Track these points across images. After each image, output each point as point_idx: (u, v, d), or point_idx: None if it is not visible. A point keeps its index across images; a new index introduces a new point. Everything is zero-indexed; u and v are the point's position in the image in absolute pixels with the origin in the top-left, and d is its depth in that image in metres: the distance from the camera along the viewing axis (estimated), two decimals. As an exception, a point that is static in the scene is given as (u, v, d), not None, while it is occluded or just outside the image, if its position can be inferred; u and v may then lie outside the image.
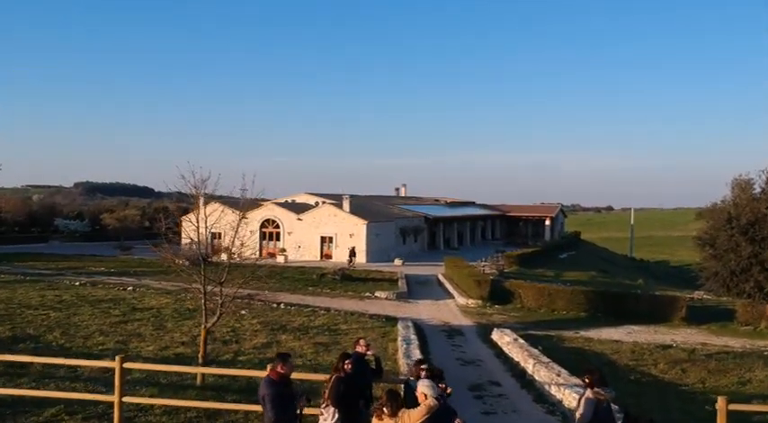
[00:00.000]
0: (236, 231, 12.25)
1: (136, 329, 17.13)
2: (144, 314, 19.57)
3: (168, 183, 13.14)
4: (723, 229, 24.61)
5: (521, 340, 16.60)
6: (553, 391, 11.75)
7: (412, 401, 6.08)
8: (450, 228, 59.61)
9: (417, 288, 31.22)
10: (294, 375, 7.67)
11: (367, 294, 27.71)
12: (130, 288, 25.52)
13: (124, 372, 8.96)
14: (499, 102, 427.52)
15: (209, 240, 12.92)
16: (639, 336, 20.95)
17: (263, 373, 7.12)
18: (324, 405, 7.38)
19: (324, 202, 48.14)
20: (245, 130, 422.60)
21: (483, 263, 38.12)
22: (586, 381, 6.87)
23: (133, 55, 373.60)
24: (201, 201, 12.67)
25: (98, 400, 9.67)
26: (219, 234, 14.08)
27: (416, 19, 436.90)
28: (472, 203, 72.40)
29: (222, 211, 13.14)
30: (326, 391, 7.43)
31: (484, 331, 20.16)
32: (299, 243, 44.25)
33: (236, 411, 9.65)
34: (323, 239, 44.16)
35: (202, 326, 12.25)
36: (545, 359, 13.75)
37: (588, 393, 6.71)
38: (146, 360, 13.21)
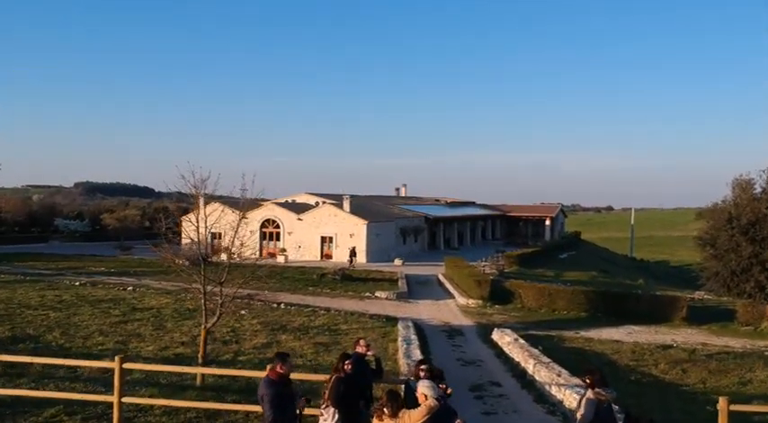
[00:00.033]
0: (236, 231, 12.23)
1: (136, 329, 17.12)
2: (144, 314, 19.55)
3: (168, 183, 13.12)
4: (724, 229, 24.59)
5: (521, 340, 16.58)
6: (554, 391, 11.72)
7: (412, 402, 6.07)
8: (451, 228, 59.59)
9: (417, 288, 31.20)
10: (294, 376, 7.65)
11: (367, 294, 27.69)
12: (130, 288, 25.51)
13: (124, 372, 8.94)
14: (499, 102, 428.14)
15: (209, 240, 12.89)
16: (640, 336, 20.93)
17: (262, 374, 7.09)
18: (324, 405, 7.37)
19: (324, 202, 48.13)
20: (245, 130, 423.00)
21: (483, 263, 38.10)
22: (587, 381, 6.85)
23: (133, 55, 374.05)
24: (201, 201, 12.65)
25: (97, 401, 9.66)
26: (219, 234, 14.05)
27: (416, 19, 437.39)
28: (472, 203, 72.39)
29: (222, 211, 13.12)
30: (326, 392, 7.41)
31: (484, 331, 20.14)
32: (300, 243, 44.23)
33: (236, 412, 9.64)
34: (323, 239, 44.14)
35: (202, 326, 12.23)
36: (545, 359, 13.72)
37: (589, 394, 6.69)
38: (145, 360, 13.19)
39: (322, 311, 21.79)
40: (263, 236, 45.11)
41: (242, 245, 12.42)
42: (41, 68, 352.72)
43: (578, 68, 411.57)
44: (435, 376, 7.30)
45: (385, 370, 10.32)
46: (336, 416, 7.22)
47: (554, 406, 11.32)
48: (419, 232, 51.94)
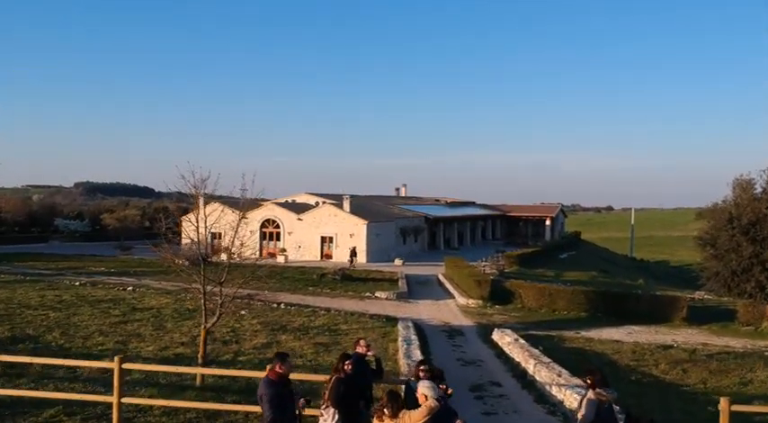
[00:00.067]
0: (236, 231, 12.21)
1: (135, 330, 17.10)
2: (144, 314, 19.53)
3: (168, 183, 13.10)
4: (724, 229, 24.56)
5: (521, 340, 16.55)
6: (554, 391, 11.70)
7: (412, 402, 6.05)
8: (451, 228, 59.57)
9: (418, 288, 31.18)
10: (294, 376, 7.64)
11: (367, 294, 27.67)
12: (130, 288, 25.49)
13: (123, 372, 8.93)
14: (499, 102, 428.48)
15: (209, 240, 12.87)
16: (640, 336, 20.90)
17: (262, 374, 7.08)
18: (324, 406, 7.34)
19: (324, 202, 48.11)
20: (245, 130, 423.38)
21: (483, 263, 38.07)
22: (588, 382, 6.83)
23: (133, 55, 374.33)
24: (201, 201, 12.63)
25: (97, 401, 9.64)
26: (219, 234, 14.02)
27: (416, 19, 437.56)
28: (472, 203, 72.37)
29: (222, 211, 13.09)
30: (326, 392, 7.39)
31: (484, 331, 20.11)
32: (300, 243, 44.21)
33: (236, 412, 9.62)
34: (323, 239, 44.12)
35: (202, 326, 12.21)
36: (546, 359, 13.70)
37: (590, 394, 6.67)
38: (145, 360, 13.18)
39: (322, 311, 21.76)
40: (263, 236, 45.09)
41: (242, 245, 12.40)
42: (41, 68, 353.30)
43: (578, 68, 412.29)
44: (435, 376, 7.28)
45: (385, 370, 10.29)
46: (336, 416, 7.20)
47: (554, 406, 11.30)
48: (419, 232, 51.93)
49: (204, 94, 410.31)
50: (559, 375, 12.03)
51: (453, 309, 25.76)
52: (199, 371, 11.24)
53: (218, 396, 10.66)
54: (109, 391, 9.39)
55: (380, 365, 8.81)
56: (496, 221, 71.04)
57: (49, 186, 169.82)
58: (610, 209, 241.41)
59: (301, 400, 6.83)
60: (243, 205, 12.68)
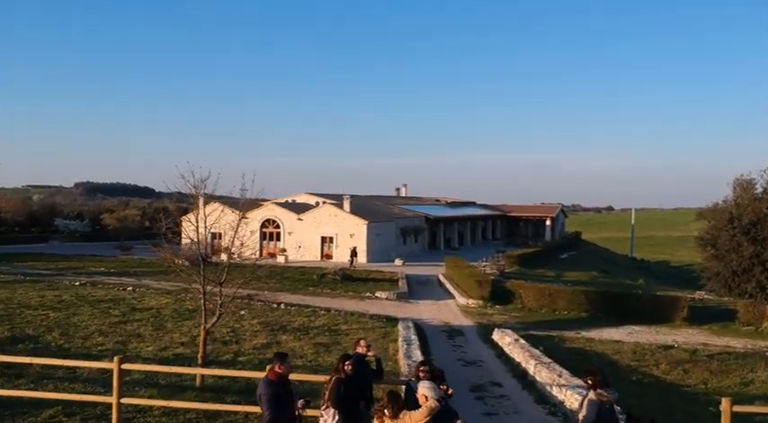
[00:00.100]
0: (236, 231, 12.19)
1: (135, 330, 17.07)
2: (143, 314, 19.51)
3: (168, 183, 13.09)
4: (725, 230, 24.54)
5: (522, 341, 16.52)
6: (555, 391, 11.68)
7: (413, 403, 6.02)
8: (451, 228, 59.54)
9: (418, 288, 31.15)
10: (294, 376, 7.61)
11: (367, 295, 27.64)
12: (130, 288, 25.46)
13: (122, 373, 8.90)
14: (499, 102, 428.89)
15: (208, 240, 12.85)
16: (641, 336, 20.87)
17: (262, 374, 7.05)
18: (324, 407, 7.32)
19: (324, 202, 48.08)
20: (245, 130, 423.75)
21: (483, 263, 38.05)
22: (589, 382, 6.80)
23: (133, 55, 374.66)
24: (201, 201, 12.61)
25: (96, 402, 9.61)
26: (219, 234, 14.00)
27: (416, 19, 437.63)
28: (472, 203, 72.34)
29: (222, 211, 13.07)
30: (327, 393, 7.36)
31: (485, 332, 20.08)
32: (300, 243, 44.19)
33: (236, 412, 9.60)
34: (323, 239, 44.10)
35: (202, 326, 12.19)
36: (546, 360, 13.68)
37: (591, 395, 6.65)
38: (145, 360, 13.16)
39: (322, 312, 21.74)
40: (263, 236, 45.07)
41: (242, 245, 12.39)
42: (41, 68, 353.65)
43: (578, 68, 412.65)
44: (436, 377, 7.25)
45: (385, 371, 10.27)
46: (336, 417, 7.17)
47: (555, 407, 11.28)
48: (419, 232, 51.90)
49: (204, 94, 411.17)
50: (560, 376, 12.00)
51: (453, 309, 25.73)
52: (198, 371, 11.22)
53: (217, 396, 10.63)
54: (108, 391, 9.36)
55: (381, 366, 8.78)
56: (497, 221, 71.01)
57: (50, 186, 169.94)
58: (610, 209, 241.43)
59: (300, 400, 6.80)
60: (243, 205, 12.66)
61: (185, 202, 19.80)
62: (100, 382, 11.15)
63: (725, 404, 7.73)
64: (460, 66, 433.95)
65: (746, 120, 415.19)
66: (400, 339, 16.19)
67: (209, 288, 11.78)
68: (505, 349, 16.60)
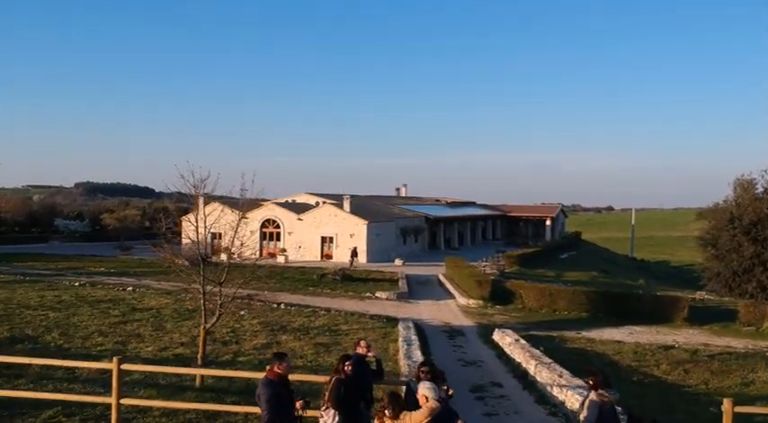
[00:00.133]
0: (236, 231, 12.17)
1: (135, 330, 17.05)
2: (143, 315, 19.48)
3: (168, 183, 13.06)
4: (725, 230, 24.52)
5: (522, 341, 16.49)
6: (555, 392, 11.64)
7: (413, 403, 6.00)
8: (451, 228, 59.52)
9: (418, 288, 31.13)
10: (294, 377, 7.59)
11: (367, 295, 27.62)
12: (130, 288, 25.44)
13: (122, 373, 8.87)
14: (499, 102, 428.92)
15: (208, 240, 12.83)
16: (641, 336, 20.85)
17: (262, 375, 7.02)
18: (324, 407, 7.29)
19: (324, 202, 48.07)
20: (245, 130, 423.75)
21: (484, 263, 38.04)
22: (590, 383, 6.78)
23: (133, 55, 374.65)
24: (201, 201, 12.59)
25: (96, 402, 9.58)
26: (219, 234, 13.98)
27: (416, 19, 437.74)
28: (473, 203, 72.33)
29: (222, 211, 13.06)
30: (326, 393, 7.33)
31: (485, 332, 20.06)
32: (300, 243, 44.17)
33: (236, 413, 9.56)
34: (323, 239, 44.08)
35: (202, 326, 12.16)
36: (547, 360, 13.64)
37: (592, 396, 6.63)
38: (145, 361, 13.13)
39: (322, 312, 21.71)
40: (263, 236, 45.05)
41: (242, 245, 12.36)
42: (41, 68, 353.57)
43: (578, 68, 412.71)
44: (436, 377, 7.21)
45: (386, 371, 10.24)
46: (336, 417, 7.14)
47: (556, 407, 11.25)
48: (419, 232, 51.88)
49: (204, 94, 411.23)
50: (560, 376, 11.97)
51: (454, 309, 25.71)
52: (198, 372, 11.19)
53: (217, 397, 10.60)
54: (108, 391, 9.33)
55: (381, 366, 8.74)
56: (497, 221, 71.00)
57: (50, 186, 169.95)
58: (610, 209, 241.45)
59: (300, 401, 6.77)
60: (243, 205, 12.64)
61: (185, 202, 19.79)
62: (99, 382, 11.11)
63: (727, 405, 7.70)
64: (460, 66, 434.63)
65: (746, 120, 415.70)
66: (400, 340, 16.17)
67: (208, 288, 11.76)
68: (506, 349, 16.57)
